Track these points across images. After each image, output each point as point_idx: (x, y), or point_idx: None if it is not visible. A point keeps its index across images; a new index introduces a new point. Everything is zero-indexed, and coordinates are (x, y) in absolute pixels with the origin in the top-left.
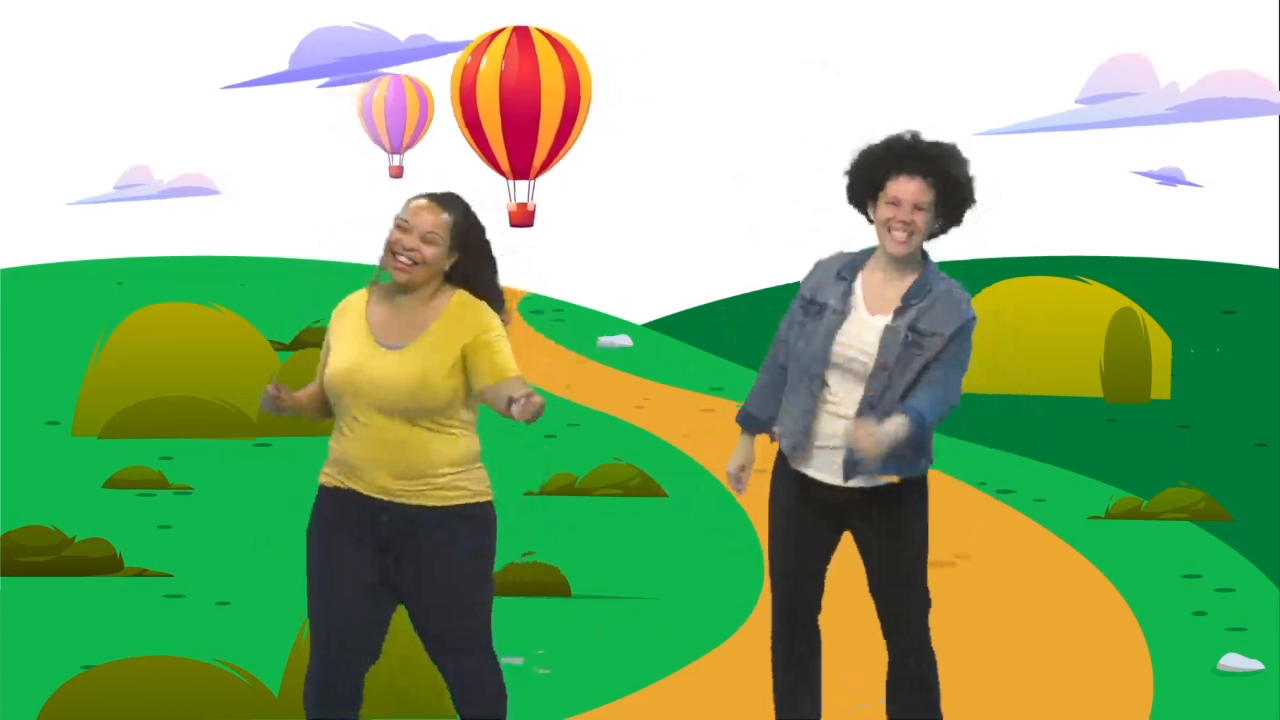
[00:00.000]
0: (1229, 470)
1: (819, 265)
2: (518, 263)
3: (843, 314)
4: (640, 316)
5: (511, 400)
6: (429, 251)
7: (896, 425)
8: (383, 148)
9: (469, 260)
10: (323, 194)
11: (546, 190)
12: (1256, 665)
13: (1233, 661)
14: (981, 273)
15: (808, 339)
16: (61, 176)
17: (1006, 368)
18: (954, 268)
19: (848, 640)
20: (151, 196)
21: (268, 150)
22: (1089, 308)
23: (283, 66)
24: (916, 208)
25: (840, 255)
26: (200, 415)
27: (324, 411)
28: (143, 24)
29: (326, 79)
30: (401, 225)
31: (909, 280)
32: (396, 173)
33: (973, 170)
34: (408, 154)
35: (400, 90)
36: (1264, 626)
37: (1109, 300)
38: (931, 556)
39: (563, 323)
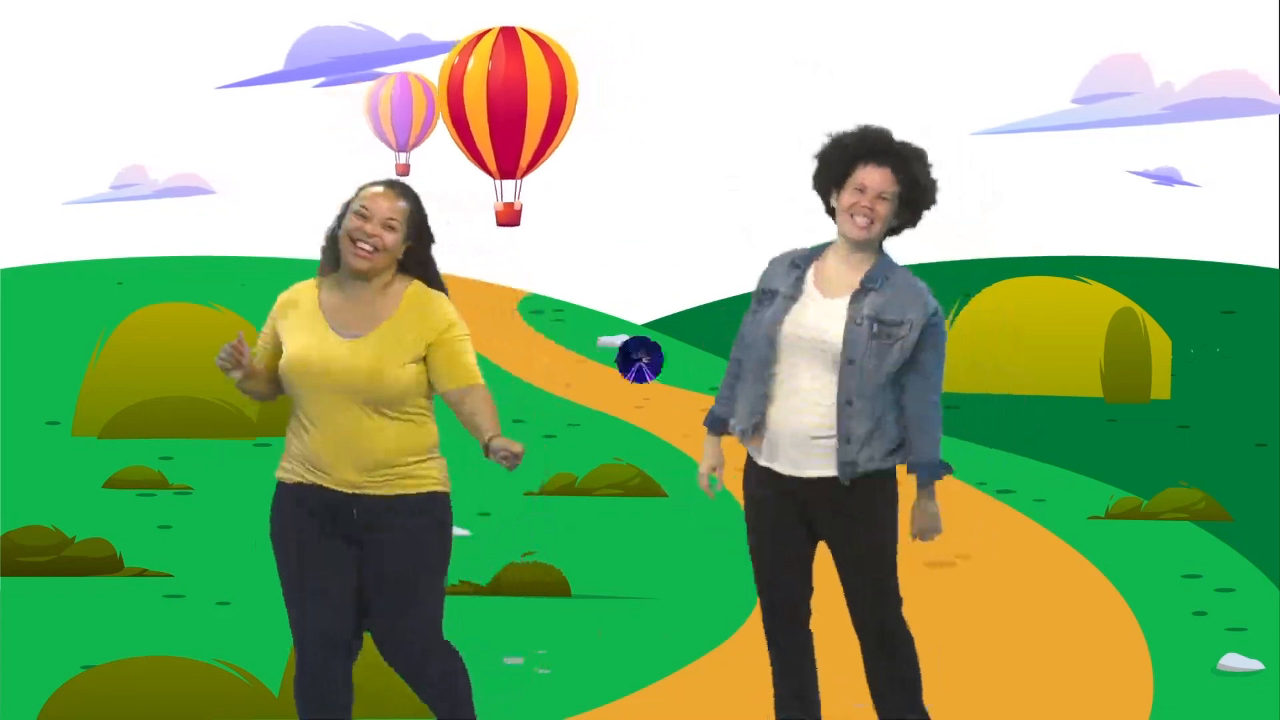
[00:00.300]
0: (1229, 470)
1: (773, 260)
2: (505, 261)
3: (792, 298)
4: (640, 316)
5: (489, 449)
6: (389, 238)
7: (926, 498)
8: (389, 145)
9: (421, 248)
10: (322, 194)
11: (541, 191)
12: (1256, 665)
13: (1233, 661)
14: (981, 273)
15: (757, 325)
16: (57, 176)
17: (1006, 368)
18: (954, 268)
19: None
20: (147, 196)
21: (263, 150)
22: (1089, 308)
23: (278, 66)
24: (880, 197)
25: (795, 250)
26: (200, 415)
27: (270, 391)
28: (138, 24)
29: (322, 79)
30: (361, 213)
31: (865, 267)
32: (403, 171)
33: (935, 176)
34: (414, 152)
35: (406, 88)
36: (1264, 626)
37: (1109, 300)
38: (931, 556)
39: (563, 323)
